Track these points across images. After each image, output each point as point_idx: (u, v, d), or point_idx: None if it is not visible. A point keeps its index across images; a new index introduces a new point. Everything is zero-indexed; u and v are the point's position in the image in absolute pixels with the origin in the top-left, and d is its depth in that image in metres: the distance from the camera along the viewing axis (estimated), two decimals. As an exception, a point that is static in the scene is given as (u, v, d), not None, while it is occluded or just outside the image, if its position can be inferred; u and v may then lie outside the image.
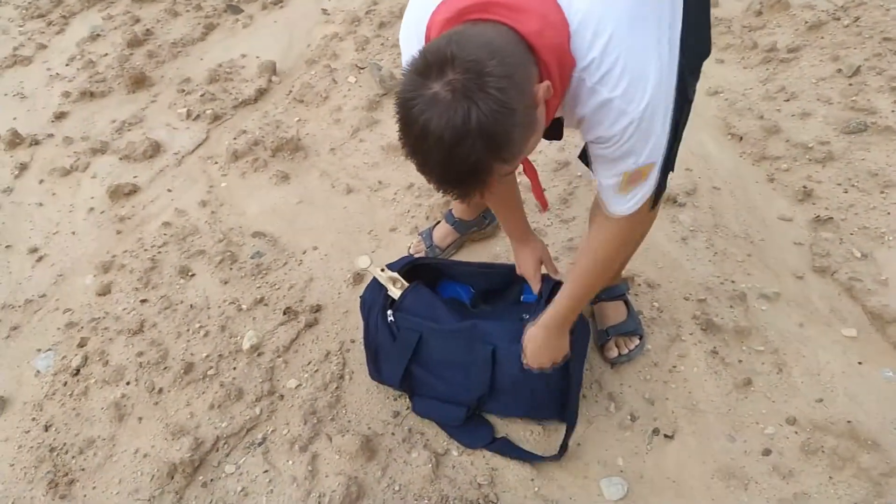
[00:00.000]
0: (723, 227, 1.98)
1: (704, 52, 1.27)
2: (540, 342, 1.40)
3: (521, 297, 1.67)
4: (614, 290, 1.72)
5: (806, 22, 2.66)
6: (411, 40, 1.06)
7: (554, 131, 1.17)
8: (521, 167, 1.17)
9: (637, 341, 1.69)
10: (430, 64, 0.84)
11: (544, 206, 1.36)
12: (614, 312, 1.71)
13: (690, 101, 1.24)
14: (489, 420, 1.60)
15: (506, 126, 0.84)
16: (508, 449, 1.54)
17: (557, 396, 1.50)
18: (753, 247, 1.92)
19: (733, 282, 1.83)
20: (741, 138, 2.27)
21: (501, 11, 0.90)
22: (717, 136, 2.30)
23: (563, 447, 1.48)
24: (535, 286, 1.58)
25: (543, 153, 2.28)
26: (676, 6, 1.05)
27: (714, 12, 2.93)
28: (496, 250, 2.01)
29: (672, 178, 2.09)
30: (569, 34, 0.93)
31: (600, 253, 1.26)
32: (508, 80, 0.84)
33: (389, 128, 2.48)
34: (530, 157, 1.23)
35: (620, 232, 1.22)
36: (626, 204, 1.14)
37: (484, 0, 0.90)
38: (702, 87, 2.45)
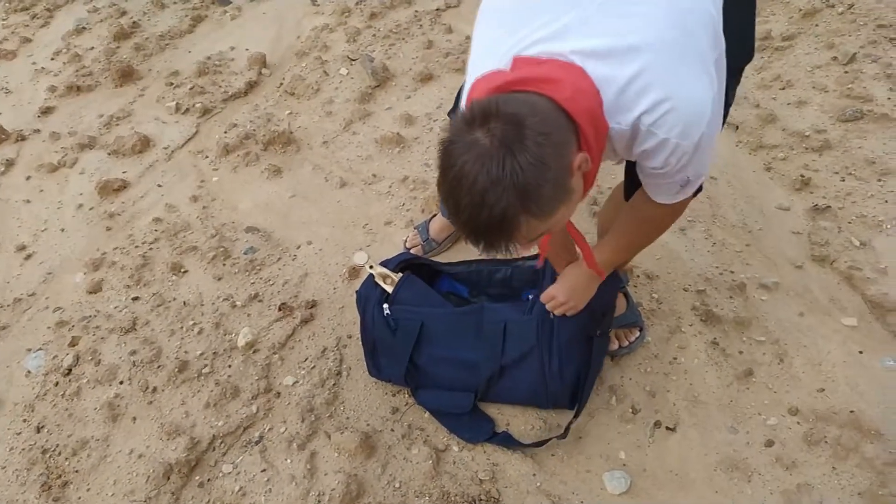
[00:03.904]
0: (721, 217, 1.97)
1: (747, 56, 1.27)
2: (572, 279, 1.41)
3: (522, 295, 1.65)
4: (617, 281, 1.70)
5: (800, 9, 2.65)
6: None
7: None
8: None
9: (637, 333, 1.68)
10: (475, 115, 0.88)
11: (600, 275, 1.40)
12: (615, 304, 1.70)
13: (730, 105, 1.26)
14: (490, 415, 1.58)
15: (538, 179, 0.87)
16: (509, 443, 1.52)
17: (568, 376, 1.48)
18: (752, 236, 1.91)
19: (732, 272, 1.82)
20: (737, 127, 2.26)
21: (538, 84, 0.94)
22: (714, 125, 2.29)
23: (567, 428, 1.47)
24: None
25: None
26: (718, 22, 1.05)
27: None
28: (493, 243, 1.98)
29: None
30: (600, 100, 0.95)
31: (641, 225, 1.30)
32: (546, 137, 0.87)
33: (382, 120, 2.45)
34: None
35: (661, 213, 1.24)
36: (673, 198, 1.17)
37: (521, 77, 0.95)
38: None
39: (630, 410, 1.57)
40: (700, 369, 1.62)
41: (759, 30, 2.62)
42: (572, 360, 1.47)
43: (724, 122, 1.23)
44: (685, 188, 1.13)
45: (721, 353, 1.64)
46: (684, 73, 0.97)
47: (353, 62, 2.72)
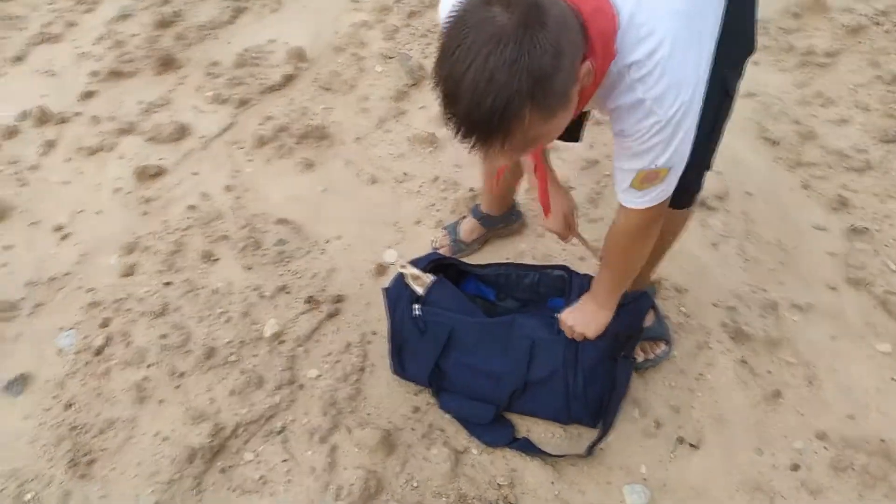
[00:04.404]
0: (755, 233, 1.94)
1: (747, 47, 1.25)
2: (581, 306, 1.43)
3: (548, 303, 1.64)
4: (642, 294, 1.69)
5: (844, 26, 2.60)
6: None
7: (573, 132, 1.16)
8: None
9: (663, 346, 1.67)
10: None
11: (546, 211, 1.43)
12: (642, 316, 1.68)
13: (731, 97, 1.24)
14: (511, 420, 1.58)
15: (554, 67, 0.82)
16: (530, 449, 1.52)
17: (591, 397, 1.47)
18: (786, 255, 1.88)
19: (765, 290, 1.79)
20: (776, 143, 2.22)
21: None
22: (751, 139, 2.26)
23: (593, 446, 1.46)
24: (565, 236, 1.54)
25: (572, 150, 2.25)
26: (719, 8, 1.05)
27: (751, 13, 2.87)
28: (521, 247, 1.98)
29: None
30: (615, 27, 0.94)
31: (619, 239, 1.28)
32: (564, 31, 0.84)
33: (416, 119, 2.46)
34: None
35: (632, 223, 1.22)
36: (638, 199, 1.15)
37: None
38: (736, 89, 2.42)
39: (653, 424, 1.55)
40: (727, 387, 1.60)
41: (802, 44, 2.58)
42: (596, 383, 1.46)
43: (724, 116, 1.25)
44: (650, 189, 1.10)
45: (749, 373, 1.62)
46: (683, 41, 0.96)
47: (390, 60, 2.73)
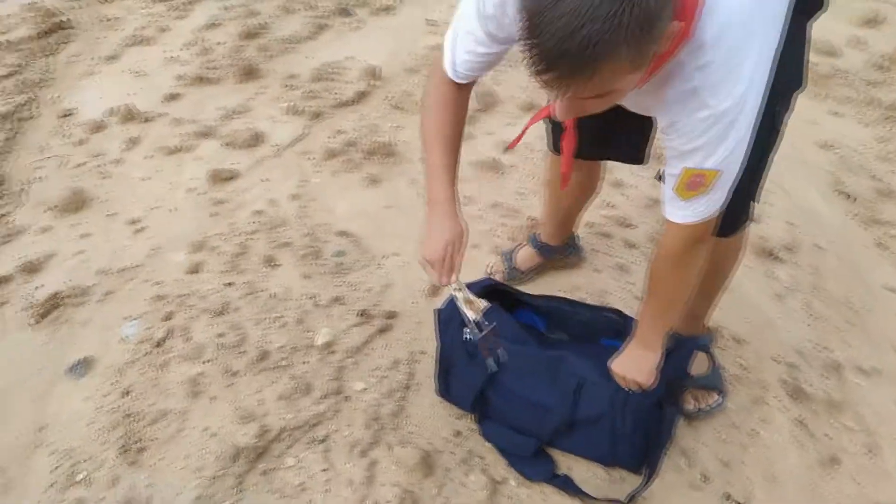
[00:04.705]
0: (823, 289, 1.87)
1: (797, 82, 1.23)
2: (625, 352, 1.39)
3: (601, 340, 1.62)
4: (697, 340, 1.65)
5: (934, 83, 2.51)
6: None
7: (637, 149, 1.14)
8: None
9: (717, 397, 1.62)
10: None
11: (565, 182, 1.42)
12: (696, 363, 1.64)
13: (778, 131, 1.23)
14: (552, 455, 1.56)
15: (658, 11, 0.79)
16: (569, 487, 1.50)
17: (638, 442, 1.44)
18: (855, 315, 1.81)
19: (829, 349, 1.72)
20: (851, 198, 2.15)
21: None
22: (826, 192, 2.19)
23: (633, 496, 1.42)
24: (435, 276, 1.31)
25: (635, 187, 2.23)
26: (778, 28, 1.03)
27: (834, 62, 2.80)
28: (576, 281, 1.97)
29: (770, 227, 2.01)
30: (702, 2, 0.90)
31: (662, 263, 1.24)
32: None
33: (482, 144, 2.49)
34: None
35: (676, 243, 1.18)
36: (682, 211, 1.11)
37: None
38: (814, 138, 2.35)
39: (700, 478, 1.51)
40: (781, 446, 1.54)
41: (888, 98, 2.49)
42: (645, 428, 1.43)
43: (771, 150, 1.22)
44: (697, 198, 1.07)
45: (806, 434, 1.56)
46: (745, 40, 0.95)
47: (462, 84, 2.77)
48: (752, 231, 2.03)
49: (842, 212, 2.12)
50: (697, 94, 0.97)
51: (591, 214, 2.16)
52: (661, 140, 1.09)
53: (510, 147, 1.67)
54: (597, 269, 1.99)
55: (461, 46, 1.17)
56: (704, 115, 0.98)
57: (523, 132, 1.42)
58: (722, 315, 1.80)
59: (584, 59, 0.79)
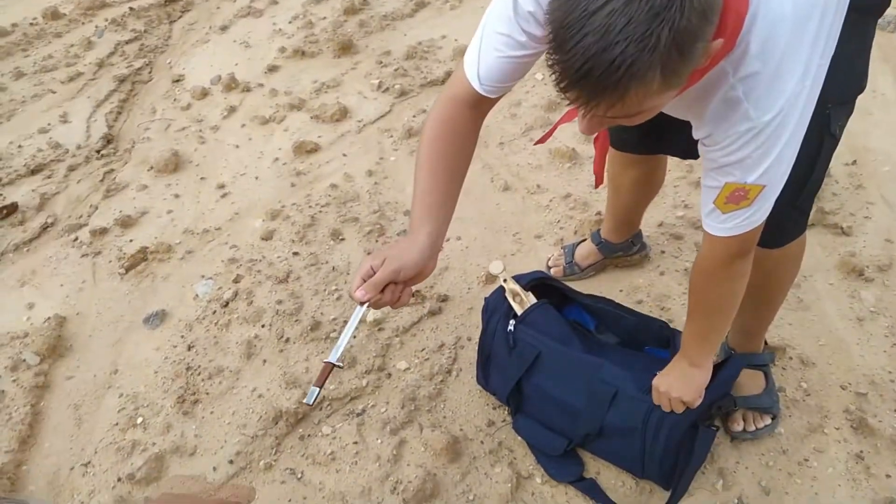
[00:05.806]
0: (914, 317, 1.68)
1: (857, 84, 1.12)
2: (669, 368, 1.31)
3: (645, 349, 1.55)
4: (755, 357, 1.53)
5: None
6: None
7: (693, 145, 1.06)
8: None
9: (769, 420, 1.51)
10: None
11: (599, 181, 1.43)
12: (750, 382, 1.53)
13: (835, 137, 1.13)
14: (582, 456, 1.53)
15: (699, 30, 0.72)
16: (594, 493, 1.46)
17: (667, 462, 1.38)
18: (948, 351, 1.61)
19: (909, 385, 1.55)
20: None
21: None
22: (940, 209, 1.95)
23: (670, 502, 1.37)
24: (354, 293, 1.08)
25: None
26: (833, 32, 0.92)
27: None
28: (638, 282, 1.88)
29: (864, 243, 1.82)
30: (745, 12, 0.82)
31: (699, 277, 1.16)
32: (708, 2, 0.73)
33: (562, 132, 2.41)
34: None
35: (715, 256, 1.09)
36: (722, 224, 1.03)
37: None
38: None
39: (736, 501, 1.42)
40: (832, 480, 1.42)
41: None
42: (676, 449, 1.36)
43: (825, 157, 1.15)
44: (737, 212, 0.99)
45: (864, 471, 1.42)
46: (792, 47, 0.85)
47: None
48: (841, 246, 1.86)
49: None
50: (740, 106, 0.89)
51: (665, 213, 2.05)
52: (700, 151, 1.01)
53: (538, 143, 1.61)
54: (662, 271, 1.89)
55: (490, 52, 1.07)
56: (746, 127, 0.90)
57: (552, 130, 1.36)
58: (792, 333, 1.67)
59: (611, 82, 0.72)
